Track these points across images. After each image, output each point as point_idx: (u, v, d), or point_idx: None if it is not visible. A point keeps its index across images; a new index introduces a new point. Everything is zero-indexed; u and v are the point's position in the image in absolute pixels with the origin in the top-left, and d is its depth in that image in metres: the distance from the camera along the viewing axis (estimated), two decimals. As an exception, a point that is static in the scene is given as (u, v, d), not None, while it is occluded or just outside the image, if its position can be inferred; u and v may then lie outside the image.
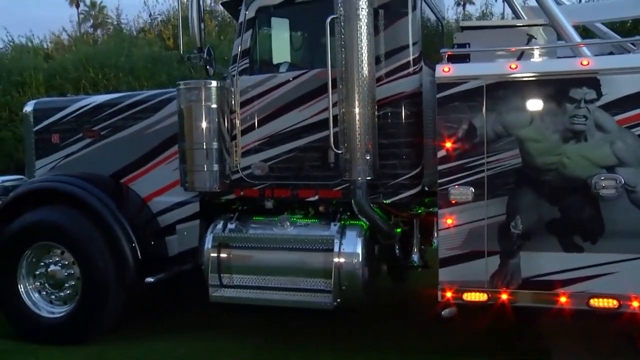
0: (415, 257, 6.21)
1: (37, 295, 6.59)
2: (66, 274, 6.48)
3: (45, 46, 20.75)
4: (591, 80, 4.95)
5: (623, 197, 4.89)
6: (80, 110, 7.05)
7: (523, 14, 6.81)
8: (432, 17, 6.71)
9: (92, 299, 6.29)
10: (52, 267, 6.52)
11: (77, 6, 74.40)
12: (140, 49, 15.83)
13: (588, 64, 5.00)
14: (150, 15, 20.71)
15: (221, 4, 7.43)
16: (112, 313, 6.35)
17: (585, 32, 7.42)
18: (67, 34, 22.57)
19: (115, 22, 21.39)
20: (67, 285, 6.49)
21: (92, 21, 57.05)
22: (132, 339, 6.41)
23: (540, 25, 5.92)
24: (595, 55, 5.28)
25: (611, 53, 5.73)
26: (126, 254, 6.24)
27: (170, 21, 19.63)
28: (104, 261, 6.22)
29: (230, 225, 6.27)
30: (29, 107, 7.39)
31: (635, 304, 4.89)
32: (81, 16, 64.46)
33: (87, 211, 6.37)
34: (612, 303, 4.96)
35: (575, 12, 6.30)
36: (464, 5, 42.42)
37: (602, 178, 4.93)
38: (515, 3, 6.87)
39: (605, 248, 4.95)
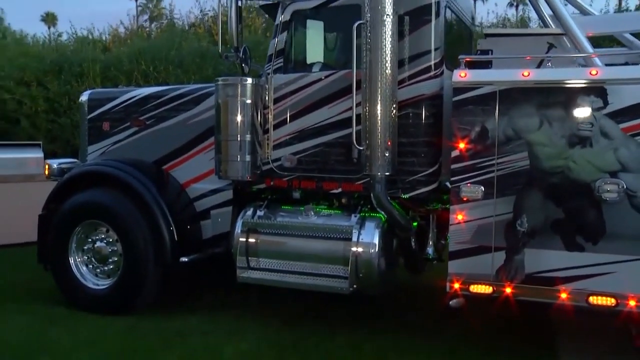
0: (430, 250, 6.58)
1: (84, 268, 7.25)
2: (110, 250, 7.12)
3: (103, 38, 21.78)
4: (599, 90, 5.22)
5: (624, 201, 5.15)
6: (129, 101, 7.64)
7: (550, 22, 7.05)
8: (459, 23, 7.02)
9: (132, 274, 6.89)
10: (98, 244, 7.16)
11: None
12: (190, 43, 16.52)
13: (597, 74, 5.28)
14: (201, 11, 21.45)
15: (260, 6, 7.91)
16: (150, 288, 6.94)
17: (612, 41, 7.61)
18: (124, 27, 23.59)
19: (169, 17, 22.12)
20: (110, 260, 7.13)
21: (148, 14, 58.62)
22: (166, 314, 6.99)
23: (560, 34, 6.17)
24: (606, 65, 5.53)
25: (626, 63, 5.94)
26: (164, 234, 6.80)
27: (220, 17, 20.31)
28: (144, 240, 6.81)
29: (259, 213, 6.75)
30: (84, 97, 8.05)
31: (632, 302, 5.14)
32: (139, 9, 66.42)
33: (131, 194, 6.97)
34: (610, 301, 5.23)
35: (590, 23, 6.51)
36: (517, 6, 41.85)
37: (606, 182, 5.19)
38: (544, 12, 7.11)
39: (606, 249, 5.22)
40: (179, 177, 7.26)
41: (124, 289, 6.96)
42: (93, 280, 7.22)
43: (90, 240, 7.21)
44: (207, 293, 7.86)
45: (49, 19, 71.71)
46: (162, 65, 15.12)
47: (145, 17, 55.31)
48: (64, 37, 22.41)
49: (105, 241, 7.14)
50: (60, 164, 7.99)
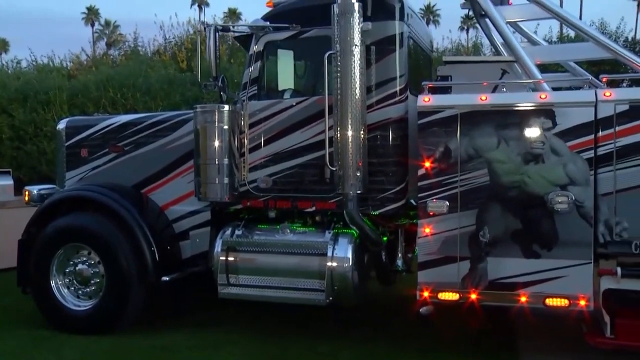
0: (399, 262, 7.04)
1: (66, 290, 7.44)
2: (92, 272, 7.34)
3: (64, 65, 21.82)
4: (548, 112, 5.81)
5: (573, 211, 5.72)
6: (107, 128, 7.94)
7: (502, 49, 7.68)
8: (420, 50, 7.58)
9: (115, 294, 7.13)
10: (80, 266, 7.38)
11: (92, 25, 76.45)
12: (156, 70, 16.82)
13: (546, 98, 5.88)
14: (165, 39, 21.75)
15: (234, 38, 8.33)
16: (133, 307, 7.19)
17: (557, 66, 8.31)
18: (86, 54, 23.68)
19: (132, 45, 22.35)
20: (92, 282, 7.34)
21: (105, 39, 58.42)
22: (151, 331, 7.25)
23: (511, 61, 6.77)
24: (553, 89, 6.13)
25: (570, 88, 6.57)
26: (146, 255, 7.09)
27: (184, 45, 20.70)
28: (127, 261, 7.07)
29: (238, 232, 7.11)
30: (61, 125, 8.29)
31: (582, 302, 5.70)
32: (95, 35, 66.18)
33: (113, 217, 7.24)
34: (563, 302, 5.76)
35: (538, 52, 7.16)
36: (467, 30, 43.50)
37: (557, 195, 5.75)
38: (497, 41, 7.74)
39: (559, 255, 5.77)
40: (158, 200, 7.57)
41: (107, 309, 7.18)
42: (74, 302, 7.41)
43: (71, 262, 7.42)
44: (192, 309, 8.16)
45: (0, 45, 70.73)
46: (129, 92, 15.37)
47: (103, 42, 55.08)
48: (24, 64, 22.46)
49: (87, 263, 7.36)
50: (39, 190, 8.16)
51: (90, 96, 15.75)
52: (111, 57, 23.51)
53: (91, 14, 78.34)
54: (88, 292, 7.37)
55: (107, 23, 69.75)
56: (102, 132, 7.97)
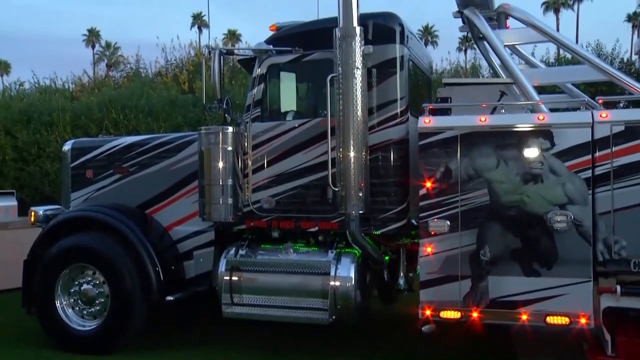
0: (401, 281, 7.12)
1: (70, 310, 7.48)
2: (97, 292, 7.40)
3: (67, 87, 22.05)
4: (546, 133, 5.94)
5: (572, 230, 5.82)
6: (112, 150, 8.06)
7: (500, 71, 7.83)
8: (419, 72, 7.74)
9: (120, 314, 7.19)
10: (85, 286, 7.43)
11: (93, 47, 77.08)
12: (158, 92, 17.00)
13: (544, 119, 6.01)
14: (167, 61, 22.00)
15: (237, 61, 8.49)
16: (137, 327, 7.26)
17: (554, 87, 8.48)
18: (87, 75, 23.91)
19: (134, 67, 22.60)
20: (97, 302, 7.40)
21: (106, 61, 58.91)
22: (154, 349, 7.32)
23: (509, 83, 6.91)
24: (550, 111, 6.27)
25: (567, 109, 6.71)
26: (151, 275, 7.16)
27: (185, 66, 20.95)
28: (132, 281, 7.14)
29: (241, 252, 7.19)
30: (67, 146, 8.41)
31: (583, 320, 5.77)
32: (96, 56, 66.73)
33: (118, 237, 7.33)
34: (564, 320, 5.84)
35: (536, 74, 7.32)
36: (465, 51, 43.93)
37: (556, 214, 5.86)
38: (495, 63, 7.90)
39: (559, 273, 5.86)
40: (163, 220, 7.67)
41: (111, 329, 7.23)
42: (79, 322, 7.46)
43: (76, 283, 7.47)
44: (195, 328, 8.22)
45: (2, 67, 71.28)
46: (132, 113, 15.51)
47: (103, 63, 55.56)
48: (26, 85, 22.67)
49: (92, 283, 7.42)
50: (45, 210, 8.24)
51: (92, 117, 15.89)
52: (113, 78, 23.75)
53: (92, 36, 79.01)
54: (93, 312, 7.43)
55: (108, 45, 70.24)
56: (107, 153, 8.08)
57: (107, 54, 67.48)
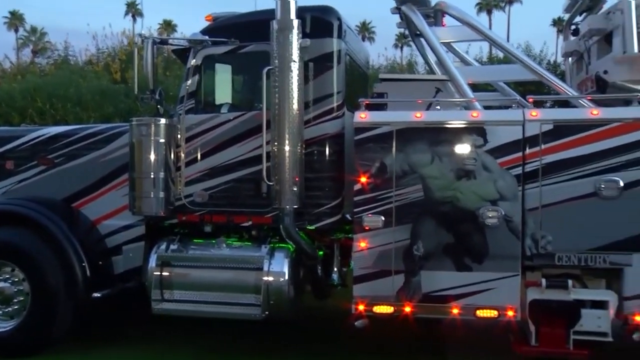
0: (335, 276, 7.08)
1: (-17, 310, 7.02)
2: (15, 290, 6.97)
3: (-17, 72, 20.94)
4: (479, 130, 6.03)
5: (503, 225, 5.95)
6: (36, 140, 7.65)
7: (436, 68, 7.93)
8: (356, 67, 7.73)
9: (41, 313, 6.83)
10: (1, 284, 7.00)
11: (16, 31, 73.32)
12: (88, 81, 16.38)
13: (477, 116, 6.10)
14: (98, 49, 21.25)
15: (172, 51, 8.25)
16: (61, 326, 6.91)
17: (487, 85, 8.66)
18: (10, 61, 22.78)
19: (63, 54, 21.70)
20: (15, 300, 6.98)
21: (31, 46, 56.20)
22: (86, 348, 7.05)
23: (445, 80, 6.99)
24: (484, 108, 6.38)
25: (499, 107, 6.85)
26: (76, 271, 6.84)
27: (117, 55, 20.27)
28: (55, 278, 6.81)
29: (173, 246, 7.00)
30: (-17, 136, 7.93)
31: (510, 313, 5.93)
32: (20, 41, 63.51)
33: (40, 232, 6.96)
34: (493, 313, 5.97)
35: (471, 72, 7.46)
36: (401, 48, 44.72)
37: (488, 210, 5.96)
38: (431, 60, 8.00)
39: (489, 267, 5.98)
40: (90, 214, 7.35)
41: (32, 329, 6.86)
42: (-7, 322, 7.02)
43: (-9, 281, 7.05)
44: (128, 326, 7.96)
45: None
46: (59, 102, 14.87)
47: (28, 49, 53.00)
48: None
49: (9, 281, 7.01)
50: (-40, 203, 7.74)
51: (15, 106, 15.13)
52: (39, 65, 22.72)
53: (15, 19, 75.17)
54: (9, 311, 6.99)
55: (34, 30, 66.85)
56: (30, 143, 7.67)
57: (33, 39, 64.39)
